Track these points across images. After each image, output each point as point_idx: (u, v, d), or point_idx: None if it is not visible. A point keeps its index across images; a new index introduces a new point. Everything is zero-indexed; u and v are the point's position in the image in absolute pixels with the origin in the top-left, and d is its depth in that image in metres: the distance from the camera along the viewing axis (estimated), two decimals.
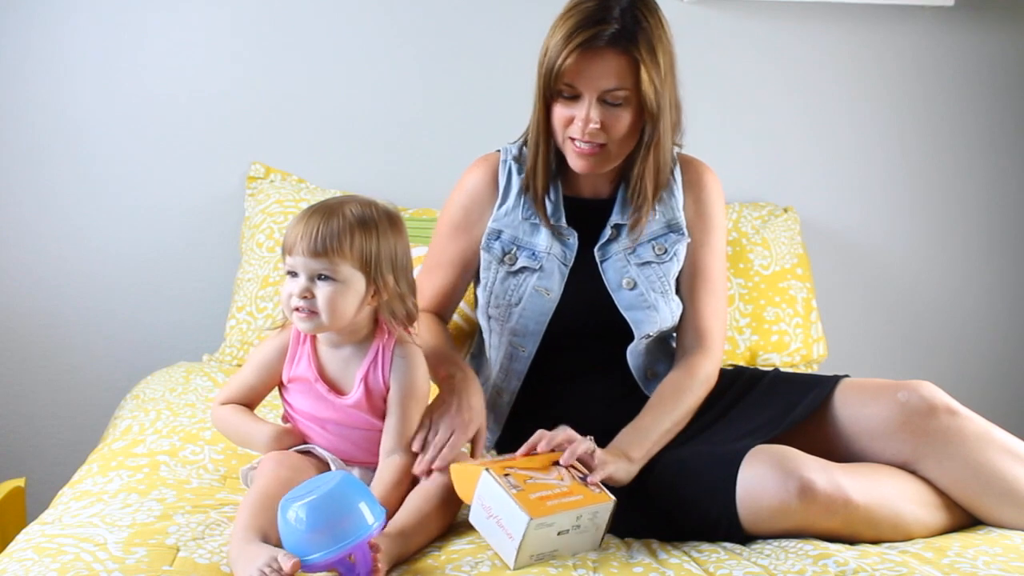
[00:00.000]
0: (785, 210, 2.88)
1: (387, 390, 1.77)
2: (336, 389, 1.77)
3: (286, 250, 1.72)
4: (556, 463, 1.74)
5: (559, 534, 1.65)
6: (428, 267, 2.08)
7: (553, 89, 1.89)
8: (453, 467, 1.72)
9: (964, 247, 3.06)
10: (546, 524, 1.62)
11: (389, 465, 1.75)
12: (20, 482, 2.35)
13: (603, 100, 1.87)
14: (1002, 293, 3.09)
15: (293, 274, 1.72)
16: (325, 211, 1.71)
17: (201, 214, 2.80)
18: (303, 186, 2.74)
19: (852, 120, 2.98)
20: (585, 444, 1.76)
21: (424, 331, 1.94)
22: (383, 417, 1.78)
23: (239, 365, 2.54)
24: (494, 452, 2.08)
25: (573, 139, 1.91)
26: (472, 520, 1.68)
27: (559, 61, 1.85)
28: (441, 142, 2.82)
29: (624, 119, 1.89)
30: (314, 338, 1.79)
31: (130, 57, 2.74)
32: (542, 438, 1.76)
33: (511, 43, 2.81)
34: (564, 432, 1.77)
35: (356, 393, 1.76)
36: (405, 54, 2.82)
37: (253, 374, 1.82)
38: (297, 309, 1.71)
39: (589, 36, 1.84)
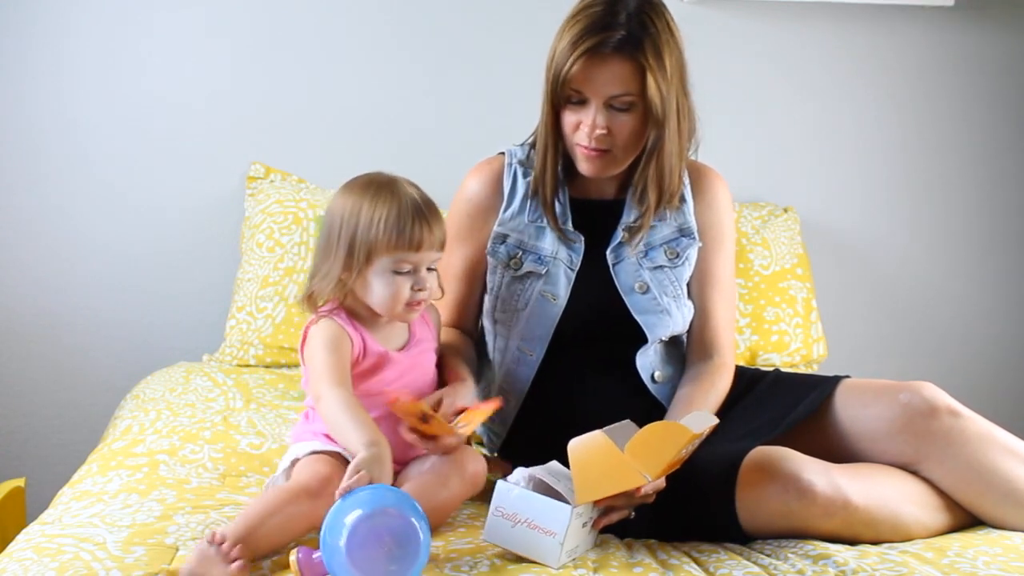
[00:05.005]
0: (785, 210, 2.88)
1: (431, 329, 1.88)
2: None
3: (412, 247, 1.73)
4: None
5: (583, 526, 1.66)
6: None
7: (560, 95, 1.88)
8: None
9: (964, 247, 3.06)
10: (578, 513, 1.63)
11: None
12: (20, 482, 2.35)
13: (610, 105, 1.87)
14: (1003, 292, 3.09)
15: (402, 272, 1.74)
16: (425, 203, 1.77)
17: (201, 214, 2.80)
18: (303, 186, 2.74)
19: (852, 120, 2.98)
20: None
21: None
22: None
23: (240, 365, 2.54)
24: (497, 455, 2.08)
25: (580, 143, 1.91)
26: (490, 538, 1.67)
27: (566, 67, 1.85)
28: (442, 142, 2.82)
29: (630, 124, 1.88)
30: (358, 319, 1.79)
31: (130, 57, 2.74)
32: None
33: (513, 43, 2.81)
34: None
35: (416, 332, 1.84)
36: (405, 54, 2.82)
37: (343, 359, 1.75)
38: (417, 303, 1.77)
39: (595, 43, 1.83)
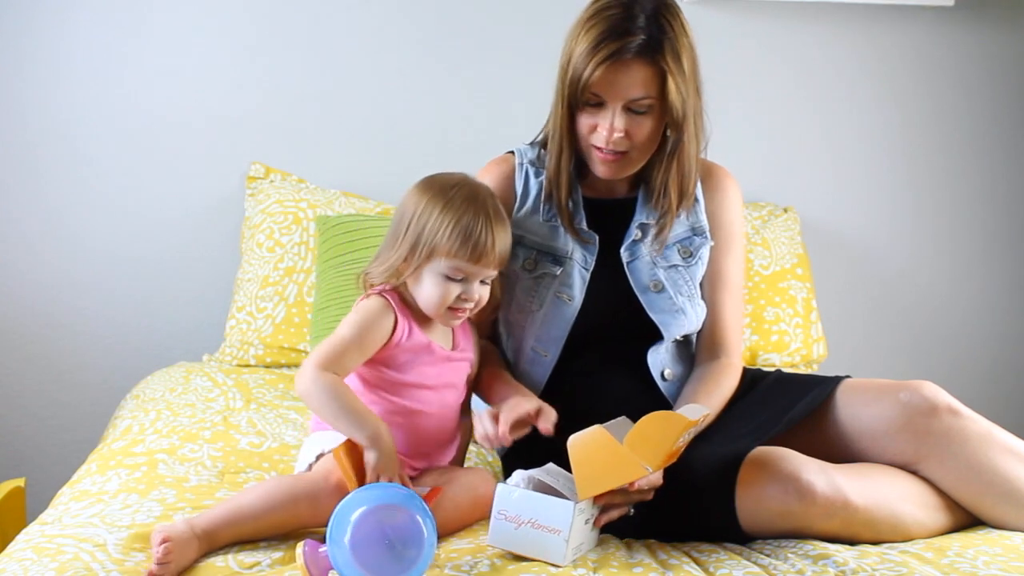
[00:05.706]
0: (785, 210, 2.88)
1: (471, 345, 1.90)
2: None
3: (471, 259, 1.75)
4: None
5: (585, 523, 1.67)
6: None
7: (578, 99, 1.87)
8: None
9: (964, 246, 3.06)
10: (581, 509, 1.64)
11: None
12: (20, 482, 2.35)
13: (628, 108, 1.86)
14: (1003, 292, 3.09)
15: (454, 279, 1.77)
16: (498, 220, 1.78)
17: (201, 214, 2.80)
18: (303, 186, 2.74)
19: (852, 120, 2.98)
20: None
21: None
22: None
23: (239, 365, 2.54)
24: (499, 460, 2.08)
25: (596, 146, 1.90)
26: (494, 542, 1.66)
27: (586, 73, 1.83)
28: (442, 141, 2.82)
29: (647, 126, 1.88)
30: (408, 306, 1.82)
31: (130, 58, 2.74)
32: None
33: (515, 41, 2.81)
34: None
35: (459, 342, 1.86)
36: (405, 54, 2.82)
37: (362, 350, 1.77)
38: (461, 310, 1.79)
39: (616, 48, 1.82)
